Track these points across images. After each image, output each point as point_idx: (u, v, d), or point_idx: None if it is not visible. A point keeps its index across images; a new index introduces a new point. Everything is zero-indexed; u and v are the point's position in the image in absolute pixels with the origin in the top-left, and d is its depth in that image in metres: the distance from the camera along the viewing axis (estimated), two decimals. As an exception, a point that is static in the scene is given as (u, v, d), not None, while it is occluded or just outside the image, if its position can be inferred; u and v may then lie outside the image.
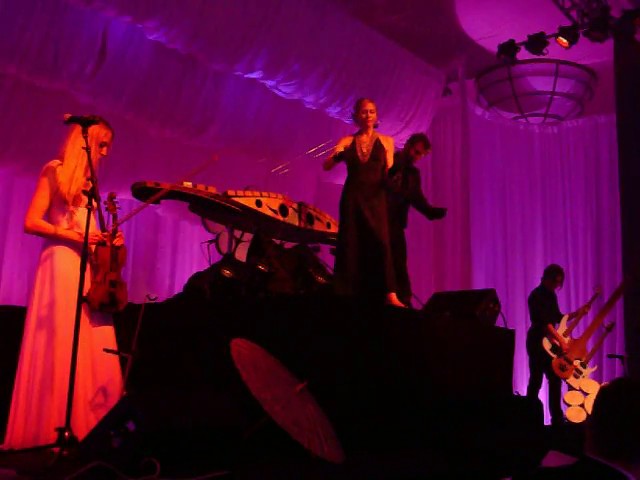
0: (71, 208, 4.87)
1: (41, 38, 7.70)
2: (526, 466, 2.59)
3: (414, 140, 8.02)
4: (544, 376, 9.18)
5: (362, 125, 6.92)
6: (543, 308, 9.16)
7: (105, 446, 3.71)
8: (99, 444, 3.76)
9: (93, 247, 4.87)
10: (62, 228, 4.81)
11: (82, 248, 4.54)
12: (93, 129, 4.86)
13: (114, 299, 4.82)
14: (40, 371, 4.60)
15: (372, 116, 6.90)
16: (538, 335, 9.04)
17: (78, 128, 4.84)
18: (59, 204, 4.85)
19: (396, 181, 7.40)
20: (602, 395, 2.40)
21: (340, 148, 6.89)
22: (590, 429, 2.37)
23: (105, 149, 5.05)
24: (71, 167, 4.83)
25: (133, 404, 3.78)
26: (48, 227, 4.80)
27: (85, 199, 4.73)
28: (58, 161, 4.87)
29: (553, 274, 9.39)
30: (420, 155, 8.00)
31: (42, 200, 4.82)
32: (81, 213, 4.85)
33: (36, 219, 4.80)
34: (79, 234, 4.76)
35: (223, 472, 3.56)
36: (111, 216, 4.97)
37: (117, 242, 4.93)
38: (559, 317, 9.25)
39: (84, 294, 4.61)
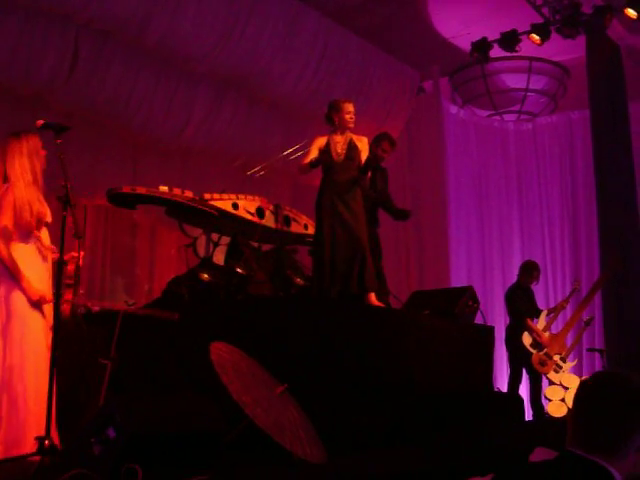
0: (34, 232, 4.81)
1: (13, 43, 7.65)
2: (509, 462, 2.60)
3: (379, 139, 8.02)
4: (524, 371, 9.22)
5: (342, 126, 6.94)
6: (520, 304, 9.19)
7: (86, 453, 3.69)
8: (80, 452, 3.74)
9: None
10: (27, 278, 4.73)
11: (56, 271, 4.51)
12: (32, 140, 4.86)
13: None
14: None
15: (354, 118, 6.94)
16: (516, 331, 9.07)
17: (16, 146, 4.83)
18: (21, 230, 4.78)
19: (366, 181, 7.39)
20: (582, 389, 2.41)
21: (315, 150, 6.91)
22: (571, 423, 2.38)
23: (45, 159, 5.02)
24: (21, 188, 4.77)
25: (113, 411, 3.76)
26: (14, 263, 4.69)
27: (44, 220, 4.79)
28: (10, 184, 4.80)
29: (529, 270, 9.42)
30: (387, 154, 8.01)
31: (5, 223, 4.74)
32: (40, 235, 4.84)
33: (3, 245, 4.72)
34: (37, 291, 4.71)
35: (205, 476, 3.55)
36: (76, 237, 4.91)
37: (80, 263, 4.93)
38: (538, 312, 9.28)
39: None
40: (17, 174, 4.78)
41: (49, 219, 4.95)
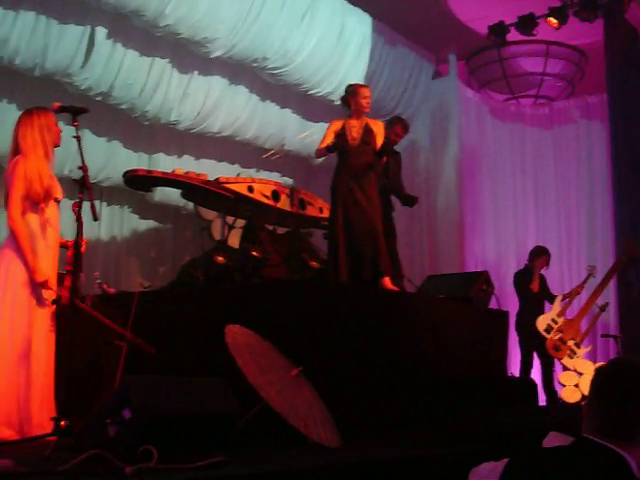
0: (42, 205, 4.83)
1: (30, 27, 7.65)
2: (523, 446, 2.61)
3: (392, 123, 8.04)
4: (534, 356, 9.24)
5: (358, 111, 6.97)
6: (525, 285, 9.31)
7: (101, 435, 3.71)
8: (95, 433, 3.76)
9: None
10: (34, 256, 4.75)
11: (73, 254, 4.53)
12: (44, 116, 4.89)
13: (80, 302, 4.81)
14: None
15: (370, 103, 6.98)
16: (527, 315, 9.11)
17: (28, 120, 4.89)
18: (30, 201, 4.81)
19: (380, 165, 7.36)
20: (598, 375, 2.41)
21: (330, 135, 6.94)
22: (587, 409, 2.38)
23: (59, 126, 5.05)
24: (32, 160, 4.81)
25: (129, 392, 3.78)
26: (27, 240, 4.74)
27: (54, 194, 4.85)
28: (23, 156, 4.85)
29: (538, 254, 9.46)
30: (400, 137, 8.02)
31: (21, 195, 4.78)
32: (50, 210, 4.86)
33: (20, 216, 4.76)
34: (44, 274, 4.73)
35: (220, 458, 3.57)
36: (78, 224, 4.93)
37: (82, 249, 4.93)
38: (552, 298, 9.29)
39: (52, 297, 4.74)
40: (29, 146, 4.83)
41: (59, 196, 4.97)
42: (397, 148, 8.13)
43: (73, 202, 4.90)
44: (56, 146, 5.00)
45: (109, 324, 5.19)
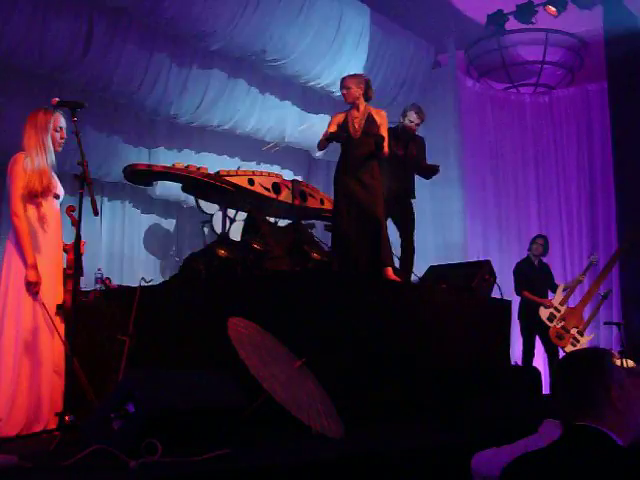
0: (39, 199, 4.85)
1: (26, 23, 7.64)
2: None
3: (405, 111, 8.02)
4: (536, 345, 9.27)
5: (345, 102, 6.96)
6: (519, 277, 9.36)
7: (106, 429, 3.71)
8: (100, 427, 3.77)
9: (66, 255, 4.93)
10: (33, 256, 4.76)
11: (74, 252, 4.55)
12: (49, 116, 4.94)
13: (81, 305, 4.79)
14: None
15: (348, 92, 6.88)
16: (528, 304, 9.15)
17: (33, 118, 4.95)
18: (29, 196, 4.83)
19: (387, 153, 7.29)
20: (561, 366, 2.55)
21: (333, 126, 6.90)
22: (556, 397, 2.48)
23: (63, 132, 5.05)
24: (33, 157, 4.85)
25: (132, 386, 3.78)
26: (27, 236, 4.77)
27: (53, 191, 4.88)
28: (25, 153, 4.89)
29: (531, 242, 9.61)
30: (414, 124, 7.97)
31: (21, 191, 4.81)
32: (48, 205, 4.87)
33: (23, 213, 4.79)
34: (37, 276, 4.73)
35: (224, 451, 3.57)
36: (74, 227, 4.94)
37: (81, 251, 4.93)
38: (554, 287, 9.31)
39: (57, 302, 4.80)
40: (32, 144, 4.88)
41: (60, 192, 4.99)
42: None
43: (67, 207, 4.95)
44: (55, 150, 5.03)
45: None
